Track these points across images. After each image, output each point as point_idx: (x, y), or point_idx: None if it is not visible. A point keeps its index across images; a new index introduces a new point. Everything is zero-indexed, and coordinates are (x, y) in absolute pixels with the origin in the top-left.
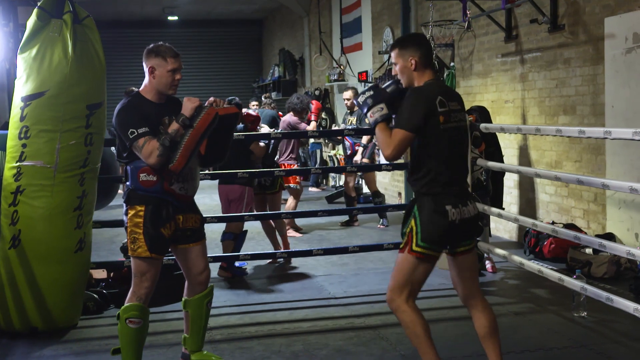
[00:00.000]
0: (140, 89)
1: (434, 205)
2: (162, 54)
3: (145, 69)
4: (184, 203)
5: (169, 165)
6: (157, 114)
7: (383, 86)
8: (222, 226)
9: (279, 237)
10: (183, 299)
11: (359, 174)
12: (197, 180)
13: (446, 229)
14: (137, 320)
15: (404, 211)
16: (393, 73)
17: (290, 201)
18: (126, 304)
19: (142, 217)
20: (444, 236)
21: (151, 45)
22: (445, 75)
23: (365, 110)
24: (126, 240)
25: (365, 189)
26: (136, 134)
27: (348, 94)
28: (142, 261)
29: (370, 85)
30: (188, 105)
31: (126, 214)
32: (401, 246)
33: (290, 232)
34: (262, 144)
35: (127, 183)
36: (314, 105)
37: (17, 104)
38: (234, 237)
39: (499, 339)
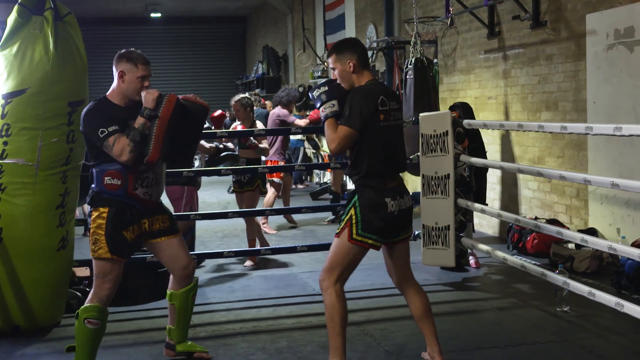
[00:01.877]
0: (107, 93)
1: (374, 197)
2: (134, 60)
3: (115, 73)
4: (149, 208)
5: (143, 159)
6: (124, 118)
7: (332, 79)
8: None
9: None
10: (169, 292)
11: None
12: (161, 186)
13: (385, 220)
14: (95, 321)
15: None
16: (332, 77)
17: (270, 194)
18: (86, 304)
19: (104, 218)
20: (384, 227)
21: (123, 50)
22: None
23: (318, 104)
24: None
25: (350, 185)
26: (106, 132)
27: None
28: (103, 262)
29: (324, 80)
30: (149, 97)
31: (89, 216)
32: (337, 231)
33: (265, 228)
34: (209, 145)
35: (92, 186)
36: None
37: None
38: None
39: (433, 318)
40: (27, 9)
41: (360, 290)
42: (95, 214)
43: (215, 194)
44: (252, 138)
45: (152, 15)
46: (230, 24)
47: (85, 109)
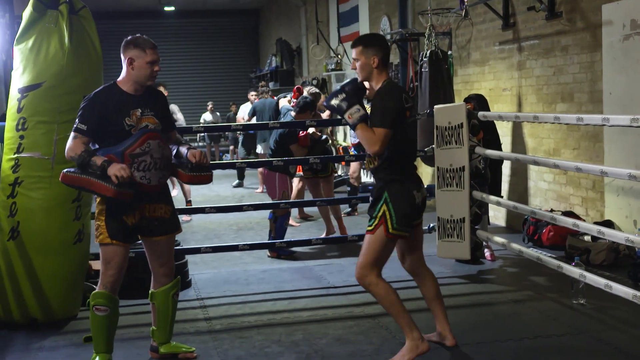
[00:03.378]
0: (117, 80)
1: (405, 191)
2: (141, 46)
3: (124, 61)
4: (150, 192)
5: (65, 170)
6: (128, 105)
7: (343, 84)
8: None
9: (334, 220)
10: (150, 291)
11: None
12: (164, 171)
13: (414, 211)
14: (103, 307)
15: None
16: (352, 68)
17: (294, 189)
18: (94, 291)
19: (104, 204)
20: (413, 217)
21: (129, 37)
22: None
23: (342, 112)
24: None
25: (365, 179)
26: (76, 125)
27: None
28: (104, 248)
29: (338, 87)
30: (112, 171)
31: (95, 201)
32: (370, 228)
33: (291, 221)
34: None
35: None
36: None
37: (14, 95)
38: (275, 219)
39: (443, 301)
40: (42, 3)
41: None
42: (98, 199)
43: (223, 188)
44: (314, 130)
45: (166, 8)
46: (244, 16)
47: (89, 94)
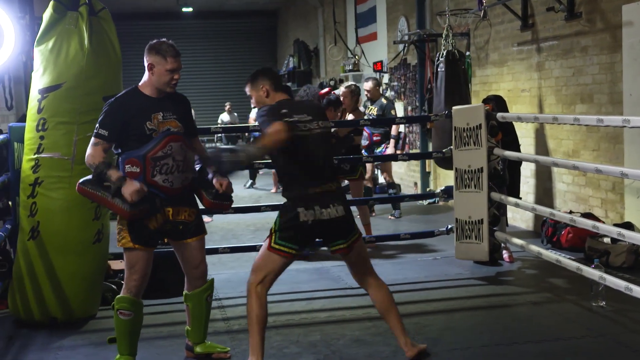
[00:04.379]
0: (139, 84)
1: (288, 208)
2: (163, 53)
3: (145, 65)
4: (173, 195)
5: (80, 179)
6: (149, 109)
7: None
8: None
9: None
10: (184, 293)
11: (377, 164)
12: (187, 173)
13: (297, 230)
14: (127, 312)
15: (420, 201)
16: (253, 105)
17: None
18: (119, 295)
19: None
20: (297, 236)
21: (154, 42)
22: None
23: (224, 168)
24: None
25: (381, 179)
26: (97, 131)
27: (369, 84)
28: (128, 252)
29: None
30: (128, 191)
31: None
32: (267, 237)
33: None
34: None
35: None
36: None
37: (34, 96)
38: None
39: (397, 308)
40: (62, 5)
41: (393, 285)
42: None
43: (237, 188)
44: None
45: (184, 9)
46: (261, 17)
47: (111, 99)
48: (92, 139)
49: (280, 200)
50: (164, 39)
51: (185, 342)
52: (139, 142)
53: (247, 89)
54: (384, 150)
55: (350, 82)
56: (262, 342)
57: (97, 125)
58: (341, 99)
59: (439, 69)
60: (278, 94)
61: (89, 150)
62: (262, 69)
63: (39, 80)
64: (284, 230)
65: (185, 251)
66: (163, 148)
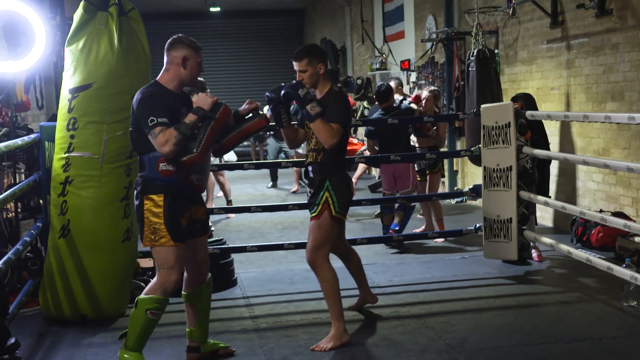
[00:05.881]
0: (158, 79)
1: (344, 180)
2: (194, 46)
3: (175, 59)
4: (196, 194)
5: (185, 155)
6: (176, 104)
7: (292, 84)
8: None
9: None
10: (185, 293)
11: None
12: (208, 173)
13: (350, 197)
14: (158, 312)
15: (448, 200)
16: (299, 79)
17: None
18: (150, 295)
19: (161, 206)
20: (350, 203)
21: (179, 36)
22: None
23: (305, 103)
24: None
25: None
26: (155, 122)
27: (392, 84)
28: (167, 251)
29: (293, 83)
30: (207, 100)
31: (141, 204)
32: (315, 214)
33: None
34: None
35: (142, 173)
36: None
37: (64, 96)
38: (404, 209)
39: (364, 272)
40: (92, 5)
41: (420, 283)
42: (148, 202)
43: (263, 187)
44: (434, 128)
45: (212, 9)
46: (288, 16)
47: (140, 94)
48: (156, 129)
49: (302, 198)
50: (181, 34)
51: (187, 344)
52: None
53: (302, 64)
54: None
55: (433, 87)
56: (342, 310)
57: (152, 117)
58: (423, 102)
59: (469, 69)
60: (327, 77)
61: (159, 142)
62: (317, 46)
63: (70, 80)
64: (341, 201)
65: (196, 248)
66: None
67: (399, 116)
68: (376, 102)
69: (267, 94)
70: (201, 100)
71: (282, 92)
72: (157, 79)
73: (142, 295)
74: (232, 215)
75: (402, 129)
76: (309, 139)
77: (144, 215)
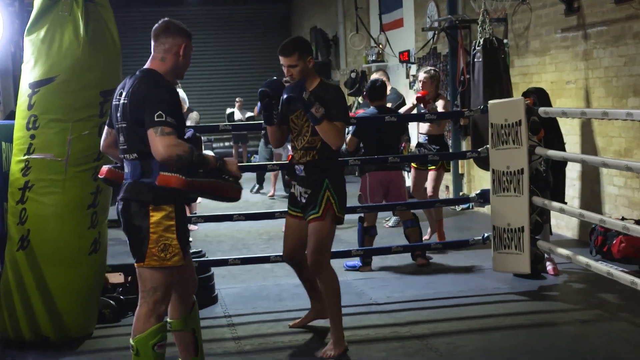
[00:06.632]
0: (156, 69)
1: (342, 179)
2: (189, 33)
3: (173, 47)
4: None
5: (174, 172)
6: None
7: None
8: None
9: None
10: (176, 320)
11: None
12: None
13: (346, 199)
14: (164, 342)
15: (453, 206)
16: (287, 74)
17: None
18: (148, 330)
19: (173, 219)
20: (345, 204)
21: (171, 20)
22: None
23: (310, 106)
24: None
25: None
26: (164, 119)
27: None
28: (172, 271)
29: (296, 84)
30: (234, 168)
31: (146, 216)
32: (317, 215)
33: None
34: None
35: (147, 179)
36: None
37: (24, 91)
38: (415, 223)
39: None
40: None
41: (424, 300)
42: (158, 214)
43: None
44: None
45: None
46: (274, 3)
47: (152, 84)
48: (161, 128)
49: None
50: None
51: None
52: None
53: (292, 58)
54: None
55: (429, 67)
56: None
57: (160, 113)
58: (420, 85)
59: (475, 60)
60: (314, 71)
61: (164, 142)
62: (303, 38)
63: (30, 73)
64: (341, 201)
65: (187, 266)
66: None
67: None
68: (367, 99)
69: (263, 88)
70: (231, 164)
71: (285, 96)
72: (153, 68)
73: (137, 336)
74: (195, 227)
75: (395, 132)
76: (297, 137)
77: (149, 229)
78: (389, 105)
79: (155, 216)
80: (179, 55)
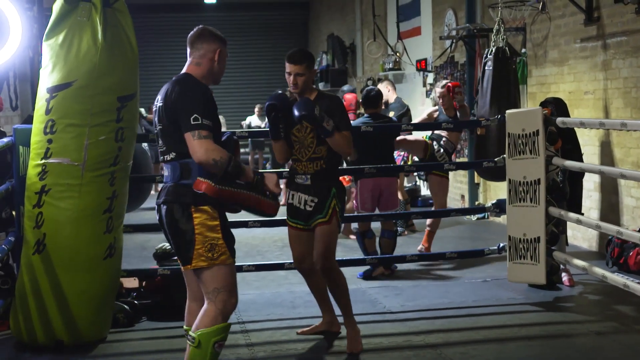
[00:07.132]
0: (195, 74)
1: (344, 188)
2: (224, 39)
3: (208, 53)
4: None
5: (208, 180)
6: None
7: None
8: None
9: None
10: (197, 333)
11: (416, 175)
12: None
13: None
14: (224, 342)
15: (468, 216)
16: (292, 82)
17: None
18: (213, 326)
19: (217, 218)
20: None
21: (212, 28)
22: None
23: (322, 121)
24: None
25: (424, 192)
26: (200, 122)
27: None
28: (226, 270)
29: (304, 100)
30: (273, 183)
31: (190, 218)
32: (325, 219)
33: (352, 237)
34: None
35: (186, 181)
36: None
37: (42, 95)
38: (393, 235)
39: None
40: None
41: (437, 309)
42: (201, 215)
43: None
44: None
45: (207, 1)
46: (291, 10)
47: (187, 86)
48: (199, 131)
49: None
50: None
51: None
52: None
53: (301, 67)
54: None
55: (446, 80)
56: None
57: (196, 115)
58: (439, 100)
59: (486, 67)
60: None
61: (203, 145)
62: (306, 50)
63: (48, 78)
64: (343, 209)
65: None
66: (239, 154)
67: (411, 122)
68: (362, 107)
69: (270, 101)
70: (270, 179)
71: (297, 115)
72: (189, 72)
73: (203, 330)
74: None
75: (387, 141)
76: (300, 149)
77: (194, 230)
78: (391, 114)
79: (198, 217)
80: (213, 60)
